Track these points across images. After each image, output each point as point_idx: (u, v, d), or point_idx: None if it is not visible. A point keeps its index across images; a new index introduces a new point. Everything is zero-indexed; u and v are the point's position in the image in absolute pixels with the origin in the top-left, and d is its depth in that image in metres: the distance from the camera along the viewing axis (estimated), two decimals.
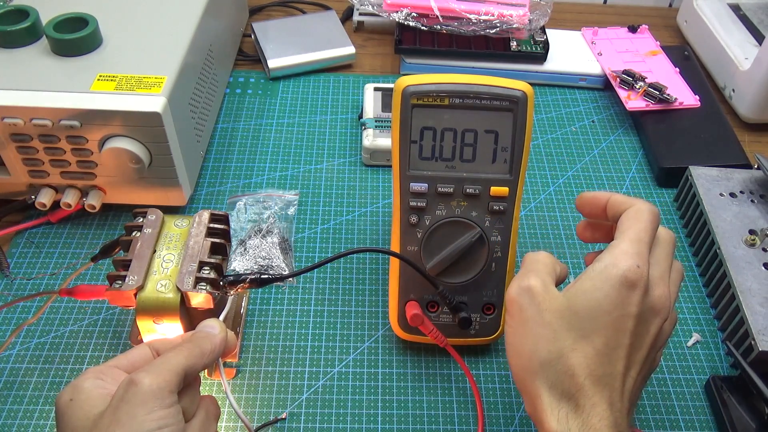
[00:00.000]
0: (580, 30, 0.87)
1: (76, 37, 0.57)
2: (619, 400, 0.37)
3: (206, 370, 0.51)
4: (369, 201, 0.67)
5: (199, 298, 0.45)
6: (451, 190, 0.50)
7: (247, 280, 0.46)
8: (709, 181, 0.64)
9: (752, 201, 0.63)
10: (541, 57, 0.81)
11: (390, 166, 0.57)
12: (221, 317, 0.45)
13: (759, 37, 0.81)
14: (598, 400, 0.36)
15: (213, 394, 0.51)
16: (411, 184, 0.50)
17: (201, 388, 0.46)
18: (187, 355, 0.38)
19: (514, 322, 0.39)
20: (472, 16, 0.78)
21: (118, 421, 0.34)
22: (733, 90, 0.79)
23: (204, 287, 0.45)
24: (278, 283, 0.47)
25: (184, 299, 0.45)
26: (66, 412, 0.36)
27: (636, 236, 0.38)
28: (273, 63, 0.79)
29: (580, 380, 0.36)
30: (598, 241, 0.47)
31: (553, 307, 0.38)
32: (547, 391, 0.37)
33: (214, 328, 0.42)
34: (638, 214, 0.39)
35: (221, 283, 0.46)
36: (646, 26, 0.87)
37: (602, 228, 0.46)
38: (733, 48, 0.80)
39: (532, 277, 0.39)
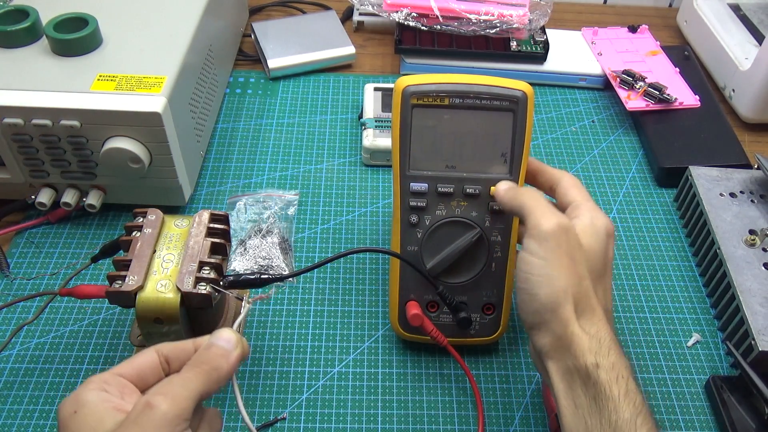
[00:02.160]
0: (580, 30, 0.87)
1: (76, 37, 0.57)
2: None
3: None
4: (369, 201, 0.67)
5: (199, 298, 0.45)
6: (451, 190, 0.50)
7: (270, 284, 0.46)
8: (709, 181, 0.64)
9: (752, 201, 0.63)
10: (541, 57, 0.81)
11: (390, 166, 0.57)
12: (235, 326, 0.42)
13: (759, 37, 0.81)
14: (607, 331, 0.41)
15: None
16: (411, 184, 0.50)
17: None
18: (205, 381, 0.36)
19: (550, 255, 0.42)
20: (472, 16, 0.78)
21: None
22: (733, 90, 0.79)
23: (204, 287, 0.45)
24: (278, 283, 0.47)
25: (184, 299, 0.45)
26: (69, 425, 0.34)
27: (587, 197, 0.48)
28: (273, 63, 0.79)
29: (600, 313, 0.42)
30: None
31: (582, 248, 0.43)
32: (575, 316, 0.41)
33: (230, 342, 0.38)
34: (574, 180, 0.49)
35: (221, 283, 0.46)
36: (646, 26, 0.87)
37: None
38: (733, 48, 0.80)
39: (562, 217, 0.43)
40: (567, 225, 0.43)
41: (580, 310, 0.41)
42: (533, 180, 0.52)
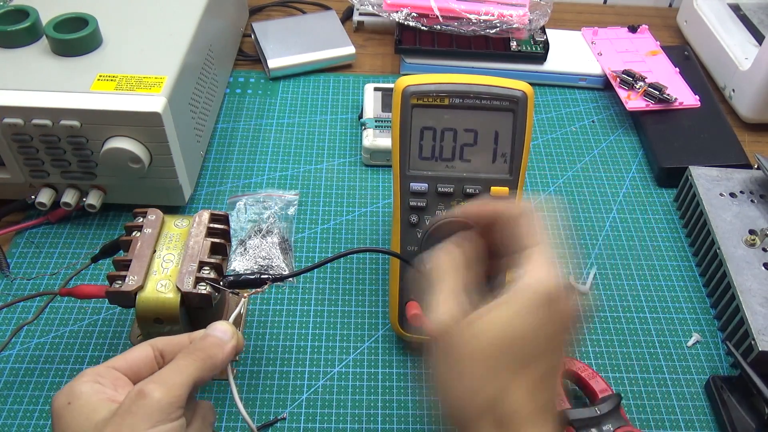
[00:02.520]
0: (580, 30, 0.87)
1: (76, 37, 0.57)
2: (556, 416, 0.35)
3: None
4: (369, 201, 0.67)
5: (199, 298, 0.45)
6: (451, 190, 0.50)
7: (267, 281, 0.45)
8: (709, 181, 0.64)
9: (752, 201, 0.63)
10: (541, 57, 0.81)
11: (390, 166, 0.57)
12: (231, 319, 0.42)
13: (759, 37, 0.81)
14: (543, 428, 0.34)
15: (213, 393, 0.51)
16: (411, 184, 0.50)
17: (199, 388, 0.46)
18: (200, 367, 0.36)
19: (445, 361, 0.34)
20: (472, 16, 0.78)
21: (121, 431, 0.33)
22: (733, 90, 0.79)
23: (204, 287, 0.45)
24: (278, 282, 0.47)
25: (184, 299, 0.45)
26: (64, 416, 0.35)
27: (544, 241, 0.36)
28: (273, 63, 0.79)
29: (525, 414, 0.33)
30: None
31: (488, 338, 0.34)
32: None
33: (225, 333, 0.39)
34: (531, 215, 0.37)
35: (221, 283, 0.46)
36: (646, 26, 0.87)
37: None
38: (733, 48, 0.80)
39: (452, 304, 0.35)
40: (455, 318, 0.34)
41: (505, 429, 0.33)
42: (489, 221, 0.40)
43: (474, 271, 0.38)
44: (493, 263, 0.40)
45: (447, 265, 0.38)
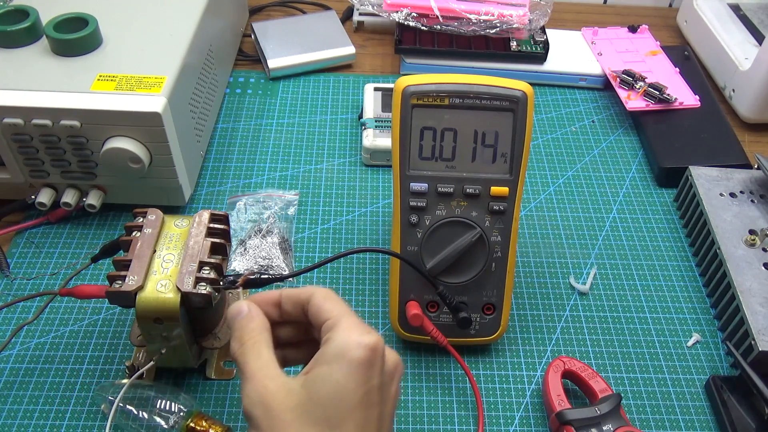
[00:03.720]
0: (580, 30, 0.87)
1: (76, 37, 0.57)
2: None
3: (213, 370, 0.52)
4: (369, 201, 0.67)
5: (199, 298, 0.45)
6: (451, 190, 0.50)
7: (242, 279, 0.45)
8: (709, 181, 0.64)
9: (752, 201, 0.63)
10: (541, 57, 0.81)
11: (390, 166, 0.57)
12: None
13: (759, 37, 0.81)
14: None
15: (213, 393, 0.51)
16: (411, 184, 0.50)
17: (200, 388, 0.46)
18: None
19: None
20: (472, 16, 0.78)
21: None
22: (733, 90, 0.79)
23: (204, 287, 0.45)
24: (278, 283, 0.47)
25: (184, 299, 0.45)
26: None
27: (347, 310, 0.38)
28: (273, 63, 0.79)
29: None
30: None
31: (291, 405, 0.35)
32: None
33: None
34: (328, 293, 0.39)
35: (221, 282, 0.46)
36: (646, 26, 0.87)
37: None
38: (733, 48, 0.80)
39: (259, 377, 0.36)
40: (257, 392, 0.35)
41: None
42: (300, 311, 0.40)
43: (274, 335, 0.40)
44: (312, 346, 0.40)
45: (254, 323, 0.39)
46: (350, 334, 0.36)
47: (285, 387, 0.35)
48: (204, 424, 0.47)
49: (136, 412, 0.46)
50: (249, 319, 0.39)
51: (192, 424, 0.47)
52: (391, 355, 0.38)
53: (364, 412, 0.35)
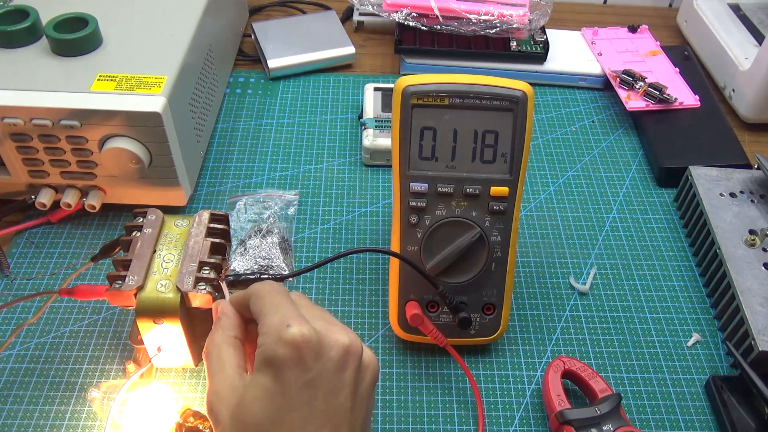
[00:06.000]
0: (580, 30, 0.87)
1: (76, 37, 0.57)
2: None
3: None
4: (369, 201, 0.67)
5: (199, 298, 0.45)
6: (451, 190, 0.50)
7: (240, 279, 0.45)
8: (709, 181, 0.64)
9: (752, 201, 0.63)
10: (541, 57, 0.81)
11: (390, 166, 0.57)
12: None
13: (759, 37, 0.81)
14: None
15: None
16: (411, 184, 0.50)
17: (200, 388, 0.46)
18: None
19: None
20: (472, 16, 0.78)
21: None
22: (733, 90, 0.79)
23: (204, 287, 0.45)
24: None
25: (184, 299, 0.45)
26: None
27: (271, 307, 0.36)
28: (273, 63, 0.79)
29: None
30: None
31: (232, 408, 0.35)
32: None
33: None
34: (257, 290, 0.38)
35: (221, 282, 0.46)
36: (646, 26, 0.87)
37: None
38: (733, 48, 0.80)
39: (215, 380, 0.36)
40: (216, 410, 0.35)
41: None
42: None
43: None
44: None
45: (222, 339, 0.38)
46: (268, 335, 0.35)
47: (231, 387, 0.36)
48: (205, 423, 0.47)
49: None
50: (217, 319, 0.40)
51: (192, 424, 0.47)
52: (338, 341, 0.35)
53: (300, 413, 0.34)
